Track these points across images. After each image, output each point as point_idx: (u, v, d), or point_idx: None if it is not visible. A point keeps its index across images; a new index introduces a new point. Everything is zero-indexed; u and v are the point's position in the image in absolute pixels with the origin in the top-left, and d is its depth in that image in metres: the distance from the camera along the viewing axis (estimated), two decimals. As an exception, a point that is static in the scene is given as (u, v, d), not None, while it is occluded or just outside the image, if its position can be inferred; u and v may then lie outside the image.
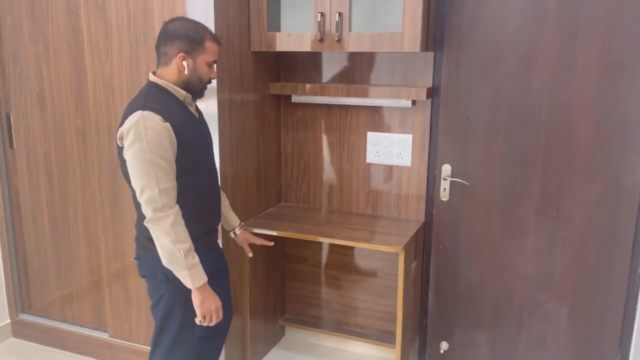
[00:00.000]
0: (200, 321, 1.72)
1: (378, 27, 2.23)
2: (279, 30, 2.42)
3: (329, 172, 2.68)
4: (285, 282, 2.90)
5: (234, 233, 2.12)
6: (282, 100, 2.67)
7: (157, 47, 1.72)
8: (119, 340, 2.64)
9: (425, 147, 2.46)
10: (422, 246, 2.54)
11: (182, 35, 1.67)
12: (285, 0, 2.41)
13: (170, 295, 1.76)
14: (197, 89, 1.76)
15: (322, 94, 2.45)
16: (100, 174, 2.48)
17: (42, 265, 2.76)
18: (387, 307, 2.68)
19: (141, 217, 1.70)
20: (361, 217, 2.59)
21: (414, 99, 2.32)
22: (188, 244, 1.64)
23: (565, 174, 2.25)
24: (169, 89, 1.71)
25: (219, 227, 2.03)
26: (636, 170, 2.15)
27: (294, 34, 2.29)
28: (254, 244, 2.17)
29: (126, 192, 2.43)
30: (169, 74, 1.71)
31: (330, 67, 2.58)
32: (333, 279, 2.80)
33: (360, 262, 2.71)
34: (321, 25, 2.21)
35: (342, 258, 2.75)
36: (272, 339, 2.84)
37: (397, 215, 2.58)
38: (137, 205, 1.70)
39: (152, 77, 1.73)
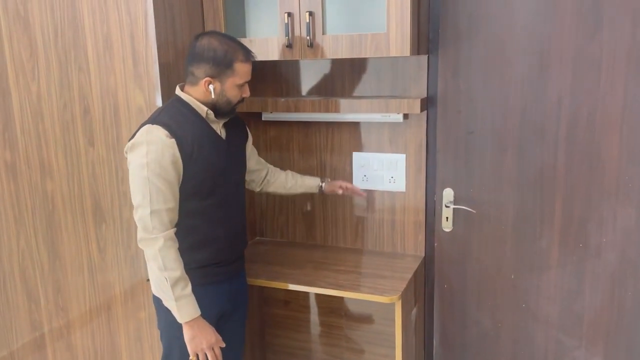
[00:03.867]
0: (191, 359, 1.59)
1: (358, 27, 1.84)
2: (244, 35, 2.04)
3: (309, 200, 2.28)
4: (265, 330, 2.49)
5: (321, 190, 1.99)
6: (252, 119, 2.27)
7: (186, 64, 1.61)
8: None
9: (421, 168, 2.07)
10: (423, 286, 2.14)
11: (210, 58, 1.55)
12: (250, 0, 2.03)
13: (171, 328, 1.63)
14: (224, 111, 1.64)
15: (297, 110, 2.05)
16: (35, 217, 2.08)
17: (-22, 322, 2.35)
18: (385, 358, 2.27)
19: None
20: (349, 252, 2.19)
21: (406, 112, 1.92)
22: (178, 272, 1.51)
23: (593, 197, 1.86)
24: (190, 104, 1.61)
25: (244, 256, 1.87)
26: (680, 190, 1.76)
27: (258, 40, 1.90)
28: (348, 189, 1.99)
29: (66, 238, 2.03)
30: (196, 93, 1.61)
31: (306, 78, 2.18)
32: (321, 326, 2.39)
33: (352, 305, 2.31)
34: (289, 27, 1.82)
35: (331, 300, 2.34)
36: (253, 397, 2.43)
37: (392, 249, 2.18)
38: None
39: (177, 90, 1.64)
